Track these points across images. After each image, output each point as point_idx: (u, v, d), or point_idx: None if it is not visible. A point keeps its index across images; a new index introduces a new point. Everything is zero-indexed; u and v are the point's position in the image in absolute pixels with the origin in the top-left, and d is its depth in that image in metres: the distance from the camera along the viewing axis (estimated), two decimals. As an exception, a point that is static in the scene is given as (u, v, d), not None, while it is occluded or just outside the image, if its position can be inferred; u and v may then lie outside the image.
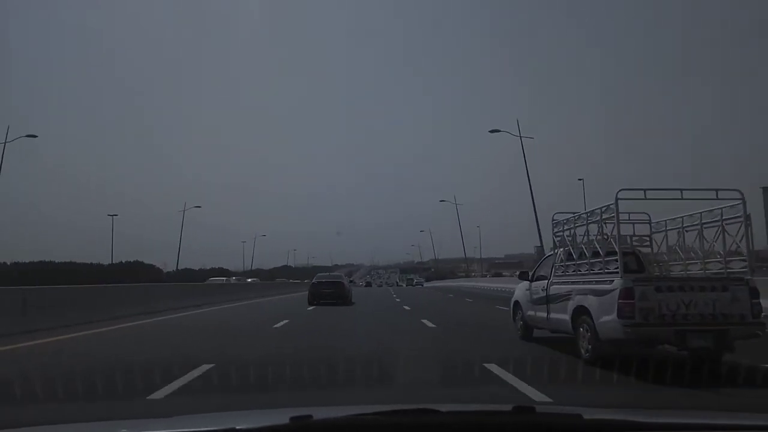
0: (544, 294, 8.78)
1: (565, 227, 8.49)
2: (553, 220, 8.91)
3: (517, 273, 11.31)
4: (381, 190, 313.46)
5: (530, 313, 9.40)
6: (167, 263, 79.56)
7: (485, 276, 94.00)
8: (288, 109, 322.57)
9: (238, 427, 1.62)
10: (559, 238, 8.75)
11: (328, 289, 21.35)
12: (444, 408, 1.79)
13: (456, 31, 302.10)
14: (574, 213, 8.49)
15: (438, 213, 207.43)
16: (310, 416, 1.66)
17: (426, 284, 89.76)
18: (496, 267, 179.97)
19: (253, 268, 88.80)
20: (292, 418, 1.64)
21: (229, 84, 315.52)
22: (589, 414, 1.74)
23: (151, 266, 56.78)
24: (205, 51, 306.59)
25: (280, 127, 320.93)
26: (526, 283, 9.79)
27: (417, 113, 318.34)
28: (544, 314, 8.72)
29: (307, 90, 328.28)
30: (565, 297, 7.98)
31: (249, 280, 52.52)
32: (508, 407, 1.75)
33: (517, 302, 10.17)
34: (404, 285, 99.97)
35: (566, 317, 7.85)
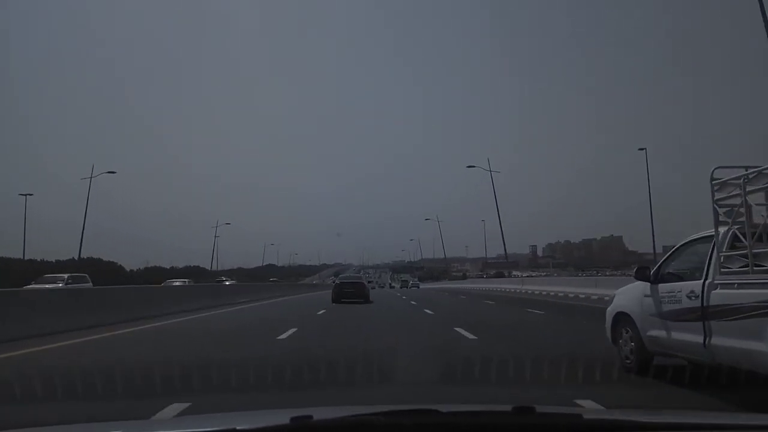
0: (696, 302, 5.39)
1: (749, 188, 5.01)
2: (713, 180, 5.47)
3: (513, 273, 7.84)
4: (371, 190, 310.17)
5: (655, 333, 6.10)
6: (149, 261, 75.58)
7: (482, 276, 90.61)
8: (275, 107, 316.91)
9: (238, 428, 1.65)
10: (726, 210, 5.28)
11: (350, 288, 24.44)
12: (444, 408, 1.77)
13: (454, 33, 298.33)
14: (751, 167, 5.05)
15: (428, 214, 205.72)
16: (311, 416, 1.68)
17: (421, 285, 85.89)
18: (489, 266, 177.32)
19: (231, 267, 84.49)
20: (292, 419, 1.67)
21: (223, 83, 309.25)
22: (589, 414, 1.82)
23: (112, 263, 52.28)
24: (203, 50, 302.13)
25: (265, 123, 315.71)
26: (641, 284, 6.48)
27: (410, 113, 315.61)
28: (695, 337, 5.40)
29: (297, 87, 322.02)
30: (756, 310, 4.58)
31: (227, 282, 47.58)
32: (507, 407, 1.75)
33: (623, 315, 6.79)
34: (398, 286, 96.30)
35: (762, 346, 4.45)
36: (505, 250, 51.81)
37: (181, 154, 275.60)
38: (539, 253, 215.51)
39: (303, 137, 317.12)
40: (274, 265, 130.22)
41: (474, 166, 49.00)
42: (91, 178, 44.30)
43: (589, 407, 4.15)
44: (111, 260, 54.59)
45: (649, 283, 6.30)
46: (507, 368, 6.05)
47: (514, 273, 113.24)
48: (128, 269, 58.39)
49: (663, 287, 6.11)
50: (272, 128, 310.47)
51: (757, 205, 4.99)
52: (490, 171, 48.70)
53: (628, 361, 6.53)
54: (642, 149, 42.16)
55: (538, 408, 1.75)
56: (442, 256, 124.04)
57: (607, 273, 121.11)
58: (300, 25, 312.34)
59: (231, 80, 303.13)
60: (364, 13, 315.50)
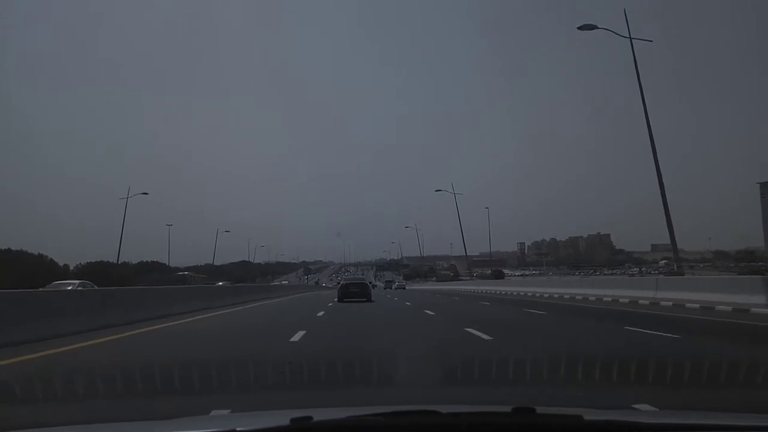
0: None
1: None
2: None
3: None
4: (354, 188, 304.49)
5: None
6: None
7: (471, 275, 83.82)
8: (258, 98, 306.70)
9: (238, 429, 1.68)
10: None
11: (355, 289, 26.81)
12: (444, 409, 1.78)
13: (447, 28, 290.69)
14: None
15: (414, 210, 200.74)
16: (311, 417, 1.70)
17: (407, 286, 78.03)
18: (475, 265, 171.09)
19: (197, 263, 75.90)
20: (292, 420, 1.69)
21: (201, 74, 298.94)
22: (590, 415, 1.79)
23: (41, 257, 43.69)
24: (194, 44, 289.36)
25: (243, 112, 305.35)
26: None
27: (402, 108, 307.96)
28: None
29: (282, 80, 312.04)
30: None
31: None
32: (507, 408, 1.76)
33: None
34: (381, 285, 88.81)
35: None
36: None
37: (156, 139, 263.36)
38: (525, 251, 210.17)
39: (284, 130, 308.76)
40: (249, 261, 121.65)
41: (441, 190, 49.39)
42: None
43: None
44: (42, 253, 45.89)
45: None
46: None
47: (506, 272, 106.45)
48: (63, 264, 49.62)
49: None
50: (251, 119, 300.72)
51: None
52: (454, 193, 49.59)
53: None
54: None
55: (539, 409, 1.75)
56: (426, 255, 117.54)
57: (606, 272, 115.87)
58: (288, 21, 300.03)
59: (209, 71, 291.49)
60: (356, 9, 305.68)
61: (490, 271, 58.28)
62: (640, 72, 24.16)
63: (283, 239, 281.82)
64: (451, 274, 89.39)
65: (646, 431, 1.77)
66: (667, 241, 25.65)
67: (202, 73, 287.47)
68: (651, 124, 24.06)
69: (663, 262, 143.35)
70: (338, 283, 36.59)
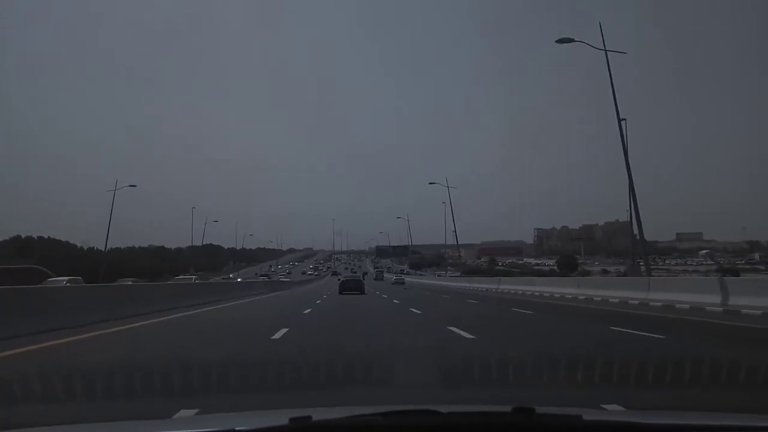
0: None
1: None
2: None
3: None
4: (350, 172, 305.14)
5: None
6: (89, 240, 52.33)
7: (495, 265, 67.22)
8: (255, 97, 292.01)
9: (237, 428, 1.72)
10: None
11: (352, 284, 35.81)
12: (444, 409, 1.83)
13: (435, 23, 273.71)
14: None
15: (412, 200, 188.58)
16: (310, 417, 1.74)
17: (407, 279, 61.35)
18: (484, 253, 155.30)
19: (142, 245, 60.80)
20: (291, 419, 1.73)
21: (196, 57, 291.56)
22: (589, 415, 1.82)
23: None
24: (194, 44, 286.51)
25: (234, 98, 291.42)
26: None
27: (396, 98, 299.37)
28: None
29: (273, 64, 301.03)
30: None
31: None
32: (507, 408, 1.79)
33: None
34: (372, 273, 73.44)
35: None
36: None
37: (156, 139, 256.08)
38: (530, 240, 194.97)
39: (284, 129, 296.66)
40: (220, 246, 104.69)
41: (434, 183, 53.89)
42: None
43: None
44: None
45: None
46: None
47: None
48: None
49: None
50: (251, 119, 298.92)
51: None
52: (448, 187, 52.12)
53: None
54: None
55: (538, 409, 1.77)
56: (427, 243, 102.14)
57: (661, 263, 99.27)
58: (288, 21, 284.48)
59: (209, 71, 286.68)
60: (356, 9, 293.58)
61: (554, 261, 40.90)
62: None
63: (275, 227, 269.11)
64: (484, 263, 70.25)
65: None
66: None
67: (202, 73, 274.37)
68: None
69: (704, 252, 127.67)
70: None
